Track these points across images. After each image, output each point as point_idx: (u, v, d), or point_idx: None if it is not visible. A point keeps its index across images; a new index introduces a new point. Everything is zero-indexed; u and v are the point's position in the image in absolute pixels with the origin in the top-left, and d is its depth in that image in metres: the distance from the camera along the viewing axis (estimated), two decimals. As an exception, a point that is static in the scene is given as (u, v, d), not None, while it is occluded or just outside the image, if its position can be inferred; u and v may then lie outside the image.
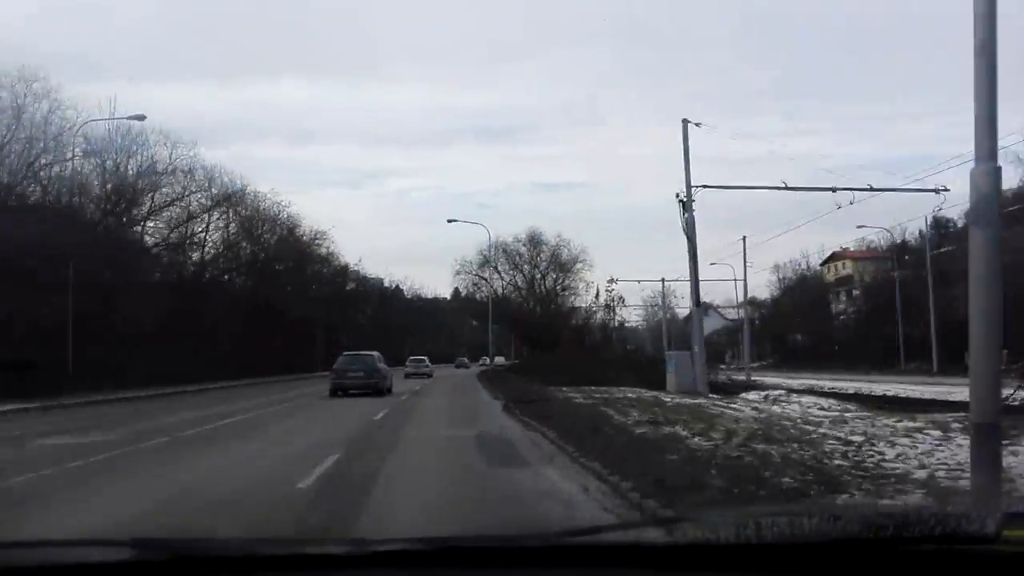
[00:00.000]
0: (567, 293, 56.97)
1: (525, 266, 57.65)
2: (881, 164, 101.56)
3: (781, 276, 72.74)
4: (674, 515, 3.73)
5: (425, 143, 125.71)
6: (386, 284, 79.70)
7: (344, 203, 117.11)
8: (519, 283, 58.22)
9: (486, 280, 57.09)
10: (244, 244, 49.68)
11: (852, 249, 65.40)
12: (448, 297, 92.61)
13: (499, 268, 57.11)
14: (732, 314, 73.43)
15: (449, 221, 50.67)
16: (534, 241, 57.50)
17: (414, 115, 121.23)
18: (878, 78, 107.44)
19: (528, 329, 55.84)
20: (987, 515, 1.53)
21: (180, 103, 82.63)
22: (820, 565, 1.46)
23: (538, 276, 57.44)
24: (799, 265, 71.85)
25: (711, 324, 74.71)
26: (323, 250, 58.71)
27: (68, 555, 1.52)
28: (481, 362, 73.12)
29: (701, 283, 25.29)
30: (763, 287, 75.12)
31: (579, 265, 56.34)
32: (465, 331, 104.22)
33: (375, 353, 26.77)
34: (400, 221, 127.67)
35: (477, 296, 61.03)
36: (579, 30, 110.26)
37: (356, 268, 68.09)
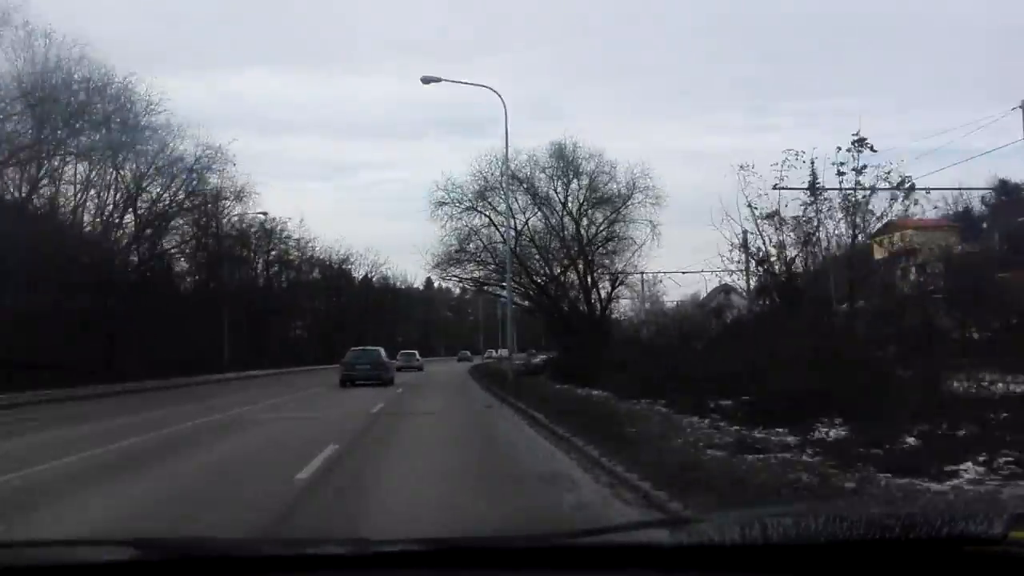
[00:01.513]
0: (613, 245, 36.21)
1: (558, 191, 36.26)
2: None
3: (812, 251, 71.24)
4: (680, 516, 3.93)
5: (395, 136, 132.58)
6: (351, 270, 76.72)
7: (312, 195, 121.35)
8: (530, 230, 36.94)
9: (490, 218, 36.46)
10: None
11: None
12: (421, 287, 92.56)
13: (510, 206, 34.19)
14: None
15: (425, 81, 28.69)
16: (563, 163, 36.11)
17: (384, 107, 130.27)
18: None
19: (563, 309, 35.74)
20: (994, 516, 1.68)
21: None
22: (826, 566, 1.62)
23: (568, 218, 36.17)
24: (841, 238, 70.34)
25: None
26: (228, 183, 44.22)
27: (69, 555, 1.65)
28: (487, 355, 62.47)
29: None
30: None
31: (638, 196, 35.26)
32: (439, 321, 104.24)
33: (380, 348, 34.50)
34: (369, 214, 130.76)
35: (468, 249, 37.40)
36: (550, 25, 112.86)
37: (295, 234, 60.25)
